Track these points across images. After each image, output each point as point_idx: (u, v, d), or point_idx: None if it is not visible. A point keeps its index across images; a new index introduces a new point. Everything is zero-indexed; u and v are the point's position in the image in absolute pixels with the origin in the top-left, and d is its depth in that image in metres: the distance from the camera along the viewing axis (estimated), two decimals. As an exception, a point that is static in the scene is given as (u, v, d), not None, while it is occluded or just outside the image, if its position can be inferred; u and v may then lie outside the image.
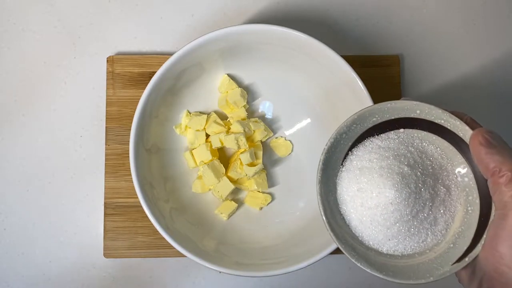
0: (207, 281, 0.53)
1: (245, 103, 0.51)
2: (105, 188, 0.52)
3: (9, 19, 0.55)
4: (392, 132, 0.38)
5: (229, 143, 0.49)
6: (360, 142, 0.38)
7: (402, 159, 0.36)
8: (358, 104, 0.45)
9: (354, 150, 0.38)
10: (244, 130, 0.50)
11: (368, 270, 0.36)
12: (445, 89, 0.56)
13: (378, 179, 0.35)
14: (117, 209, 0.52)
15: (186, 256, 0.46)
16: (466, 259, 0.35)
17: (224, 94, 0.52)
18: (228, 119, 0.52)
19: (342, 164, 0.38)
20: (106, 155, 0.53)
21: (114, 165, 0.53)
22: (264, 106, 0.53)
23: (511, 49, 0.56)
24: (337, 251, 0.46)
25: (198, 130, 0.51)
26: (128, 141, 0.46)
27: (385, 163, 0.36)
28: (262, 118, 0.53)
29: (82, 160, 0.54)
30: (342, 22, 0.56)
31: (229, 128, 0.51)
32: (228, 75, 0.52)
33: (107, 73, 0.53)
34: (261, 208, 0.52)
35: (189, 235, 0.48)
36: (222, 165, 0.51)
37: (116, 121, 0.53)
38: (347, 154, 0.38)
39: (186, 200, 0.51)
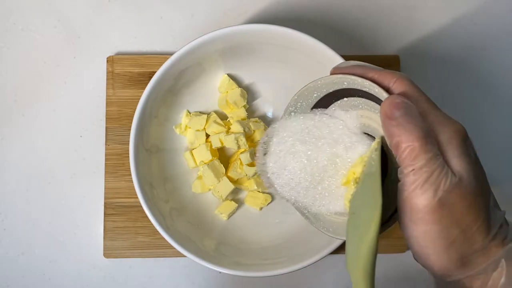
0: (207, 281, 0.53)
1: (245, 103, 0.51)
2: (105, 188, 0.52)
3: (9, 19, 0.55)
4: (338, 101, 0.39)
5: (229, 143, 0.49)
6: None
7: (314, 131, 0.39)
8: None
9: None
10: (244, 130, 0.50)
11: (313, 225, 0.40)
12: (445, 89, 0.56)
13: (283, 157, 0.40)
14: (117, 209, 0.52)
15: (186, 256, 0.46)
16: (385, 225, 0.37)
17: (224, 94, 0.52)
18: (228, 119, 0.52)
19: None
20: (106, 155, 0.53)
21: (114, 165, 0.53)
22: (264, 106, 0.53)
23: None
24: (337, 251, 0.47)
25: (198, 130, 0.51)
26: (128, 141, 0.46)
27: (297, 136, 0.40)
28: (262, 118, 0.53)
29: (82, 160, 0.54)
30: (342, 22, 0.56)
31: (229, 128, 0.51)
32: (228, 75, 0.52)
33: (107, 73, 0.53)
34: (261, 208, 0.52)
35: (189, 235, 0.48)
36: (222, 165, 0.51)
37: (116, 121, 0.53)
38: None
39: (186, 200, 0.51)
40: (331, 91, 0.38)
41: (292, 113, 0.41)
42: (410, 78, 0.35)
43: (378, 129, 0.37)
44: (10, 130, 0.54)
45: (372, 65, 0.37)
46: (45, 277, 0.53)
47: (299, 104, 0.40)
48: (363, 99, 0.37)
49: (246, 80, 0.53)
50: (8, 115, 0.54)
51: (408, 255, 0.54)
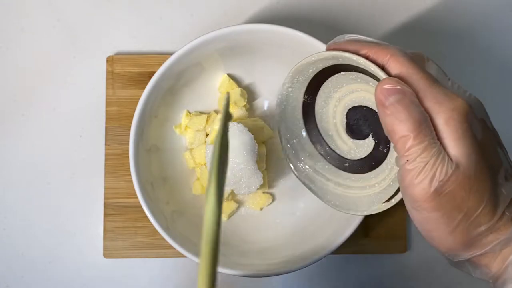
0: (207, 281, 0.53)
1: (245, 103, 0.51)
2: (105, 188, 0.52)
3: (8, 19, 0.55)
4: (335, 75, 0.39)
5: (229, 143, 0.49)
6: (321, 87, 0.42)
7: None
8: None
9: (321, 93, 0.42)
10: (244, 130, 0.50)
11: (321, 199, 0.43)
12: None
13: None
14: (117, 209, 0.52)
15: (186, 256, 0.46)
16: (393, 200, 0.36)
17: (224, 94, 0.52)
18: (228, 119, 0.52)
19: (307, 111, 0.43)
20: (106, 155, 0.53)
21: (114, 165, 0.52)
22: (264, 106, 0.53)
23: None
24: (337, 251, 0.46)
25: (198, 130, 0.51)
26: (128, 141, 0.46)
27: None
28: (263, 117, 0.53)
29: (82, 160, 0.54)
30: (342, 22, 0.56)
31: (229, 128, 0.51)
32: (228, 75, 0.51)
33: (107, 73, 0.53)
34: (261, 209, 0.52)
35: (189, 235, 0.48)
36: (222, 165, 0.51)
37: (116, 121, 0.53)
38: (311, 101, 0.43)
39: (186, 200, 0.51)
40: (327, 66, 0.38)
41: (290, 89, 0.41)
42: (405, 52, 0.33)
43: None
44: (10, 130, 0.54)
45: (367, 38, 0.35)
46: (44, 277, 0.53)
47: (296, 79, 0.40)
48: (360, 74, 0.37)
49: (246, 80, 0.53)
50: (7, 115, 0.54)
51: (408, 255, 0.54)
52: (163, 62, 0.46)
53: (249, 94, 0.52)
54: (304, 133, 0.44)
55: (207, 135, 0.51)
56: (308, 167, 0.44)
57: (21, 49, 0.55)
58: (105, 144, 0.53)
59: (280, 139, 0.44)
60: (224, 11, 0.55)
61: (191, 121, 0.51)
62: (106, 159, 0.53)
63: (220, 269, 0.46)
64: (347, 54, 0.35)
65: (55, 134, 0.54)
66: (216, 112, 0.52)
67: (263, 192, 0.52)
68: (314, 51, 0.46)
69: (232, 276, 0.53)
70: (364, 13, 0.56)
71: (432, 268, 0.54)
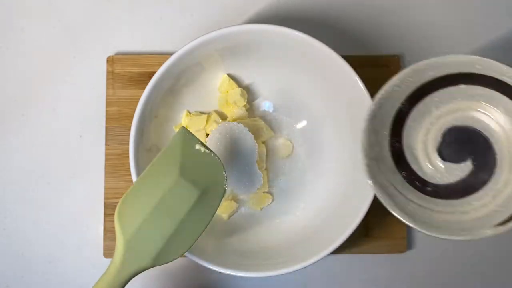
0: (207, 281, 0.53)
1: (245, 103, 0.51)
2: (105, 188, 0.52)
3: (9, 19, 0.55)
4: (452, 87, 0.36)
5: (229, 143, 0.49)
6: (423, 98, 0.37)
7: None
8: (359, 104, 0.45)
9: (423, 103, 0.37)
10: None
11: (400, 218, 0.37)
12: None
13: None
14: (117, 209, 0.52)
15: (186, 256, 0.46)
16: (510, 224, 0.34)
17: (224, 94, 0.52)
18: (228, 119, 0.52)
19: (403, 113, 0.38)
20: (106, 155, 0.53)
21: (114, 165, 0.53)
22: (264, 106, 0.53)
23: None
24: (337, 251, 0.46)
25: (198, 130, 0.51)
26: (128, 141, 0.46)
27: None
28: (263, 117, 0.53)
29: (82, 160, 0.54)
30: (342, 22, 0.56)
31: (229, 128, 0.51)
32: (228, 75, 0.52)
33: (107, 73, 0.53)
34: (261, 208, 0.52)
35: (189, 235, 0.48)
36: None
37: (116, 121, 0.53)
38: (407, 107, 0.38)
39: (186, 200, 0.51)
40: (452, 72, 0.35)
41: (396, 87, 0.36)
42: None
43: (491, 127, 0.34)
44: (10, 130, 0.54)
45: None
46: (44, 277, 0.53)
47: (409, 79, 0.36)
48: (489, 90, 0.34)
49: (246, 80, 0.53)
50: (7, 115, 0.54)
51: (408, 255, 0.54)
52: (163, 62, 0.46)
53: (249, 94, 0.52)
54: (386, 144, 0.38)
55: (207, 135, 0.51)
56: (386, 181, 0.38)
57: (21, 49, 0.55)
58: (105, 144, 0.53)
59: (362, 141, 0.37)
60: (224, 11, 0.55)
61: (191, 121, 0.51)
62: (106, 159, 0.53)
63: (220, 269, 0.46)
64: (494, 61, 0.32)
65: (55, 134, 0.54)
66: (216, 112, 0.52)
67: (263, 192, 0.52)
68: (313, 52, 0.47)
69: (232, 276, 0.53)
70: (364, 12, 0.56)
71: (432, 268, 0.54)
